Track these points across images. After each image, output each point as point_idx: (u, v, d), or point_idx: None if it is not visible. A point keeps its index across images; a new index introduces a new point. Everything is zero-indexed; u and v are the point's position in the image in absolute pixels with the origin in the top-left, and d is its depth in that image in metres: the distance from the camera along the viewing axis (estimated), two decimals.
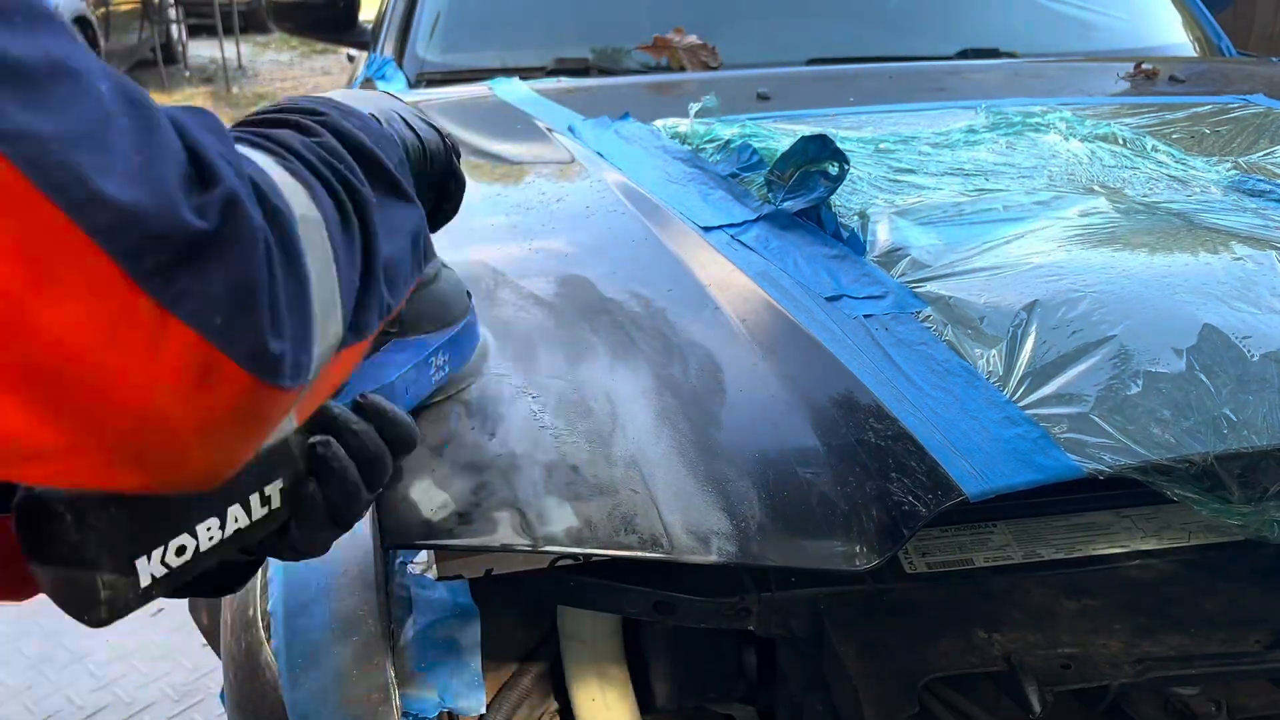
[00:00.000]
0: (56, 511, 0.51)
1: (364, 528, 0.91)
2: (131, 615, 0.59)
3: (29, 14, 0.40)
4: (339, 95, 0.77)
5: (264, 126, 0.63)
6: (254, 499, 0.60)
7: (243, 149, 0.53)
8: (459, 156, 0.86)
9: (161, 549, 0.55)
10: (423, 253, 0.71)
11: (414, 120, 0.82)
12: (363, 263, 0.60)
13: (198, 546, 0.57)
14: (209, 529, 0.57)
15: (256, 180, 0.49)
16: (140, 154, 0.42)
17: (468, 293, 0.95)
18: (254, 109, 0.71)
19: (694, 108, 1.69)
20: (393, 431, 0.68)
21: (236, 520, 0.59)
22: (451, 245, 1.32)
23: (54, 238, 0.39)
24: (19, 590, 0.60)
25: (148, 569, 0.55)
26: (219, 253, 0.44)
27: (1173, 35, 2.59)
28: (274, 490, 0.61)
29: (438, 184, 0.84)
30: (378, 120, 0.75)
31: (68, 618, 0.56)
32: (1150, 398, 0.90)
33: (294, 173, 0.56)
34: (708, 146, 1.56)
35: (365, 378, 0.78)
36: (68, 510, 0.51)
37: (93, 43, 8.07)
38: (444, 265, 0.93)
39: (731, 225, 1.30)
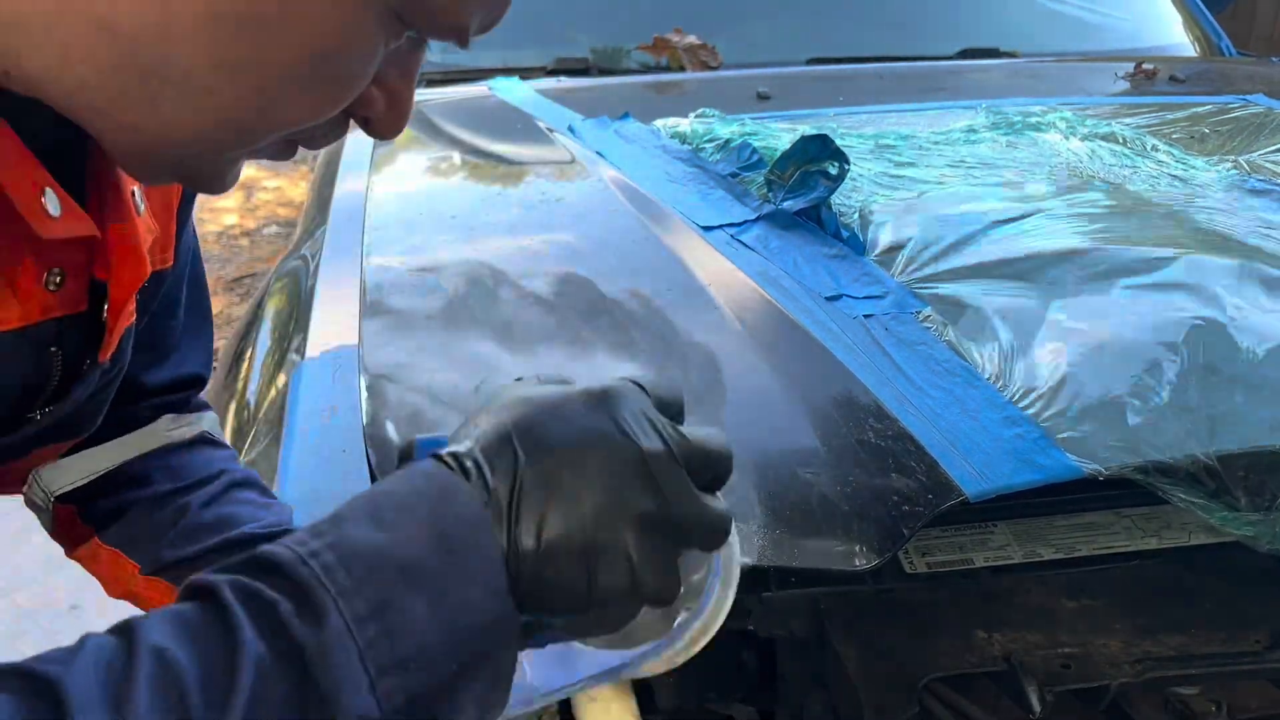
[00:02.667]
0: None
1: None
2: None
3: None
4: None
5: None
6: None
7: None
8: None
9: None
10: None
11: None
12: None
13: None
14: None
15: None
16: None
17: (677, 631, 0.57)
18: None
19: (694, 115, 1.69)
20: None
21: None
22: (453, 245, 1.33)
23: None
24: None
25: None
26: None
27: (1173, 35, 2.59)
28: None
29: None
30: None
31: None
32: (1151, 398, 0.90)
33: None
34: (708, 146, 1.56)
35: None
36: None
37: None
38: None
39: (731, 225, 1.30)
